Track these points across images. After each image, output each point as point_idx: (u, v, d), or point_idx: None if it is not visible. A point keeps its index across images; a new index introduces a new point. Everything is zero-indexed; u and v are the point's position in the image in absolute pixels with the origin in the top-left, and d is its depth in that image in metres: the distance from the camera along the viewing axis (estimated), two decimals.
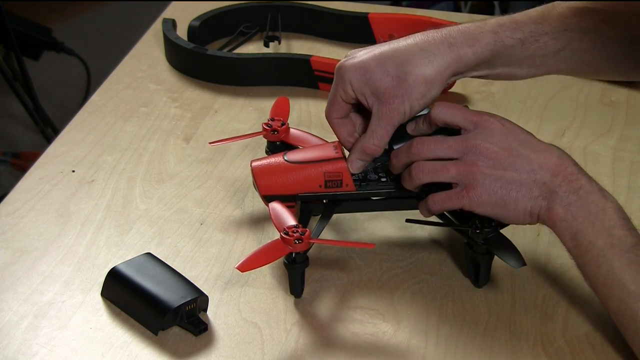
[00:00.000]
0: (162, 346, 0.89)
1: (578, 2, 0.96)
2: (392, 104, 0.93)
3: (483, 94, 1.27)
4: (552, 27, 0.95)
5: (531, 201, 0.90)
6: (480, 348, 0.88)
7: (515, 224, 0.92)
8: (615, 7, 0.96)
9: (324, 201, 1.00)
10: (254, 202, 1.05)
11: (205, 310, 0.92)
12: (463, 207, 0.91)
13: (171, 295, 0.90)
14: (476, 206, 0.90)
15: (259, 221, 1.04)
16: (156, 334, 0.89)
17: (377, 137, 0.94)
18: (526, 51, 0.95)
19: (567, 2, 0.96)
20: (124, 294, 0.92)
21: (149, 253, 0.96)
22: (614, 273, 0.84)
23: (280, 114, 1.09)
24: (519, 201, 0.90)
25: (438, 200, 0.93)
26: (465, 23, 0.96)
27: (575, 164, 0.91)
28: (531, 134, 0.93)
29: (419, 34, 0.95)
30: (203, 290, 0.92)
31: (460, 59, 0.93)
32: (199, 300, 0.91)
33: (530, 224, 0.91)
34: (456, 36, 0.94)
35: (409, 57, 0.93)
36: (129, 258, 0.95)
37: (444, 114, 0.94)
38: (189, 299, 0.90)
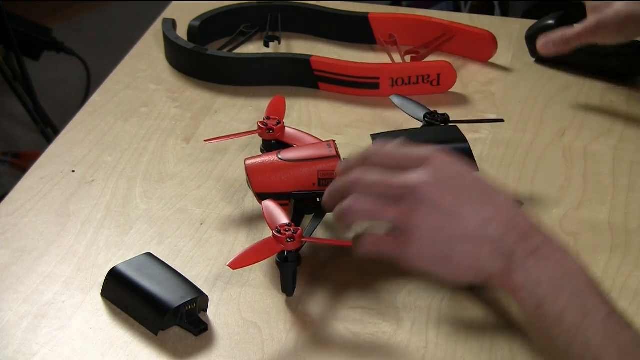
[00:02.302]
0: (162, 346, 0.89)
1: None
2: None
3: (483, 93, 1.27)
4: None
5: (480, 260, 0.78)
6: (480, 348, 0.88)
7: (458, 285, 0.83)
8: None
9: (317, 200, 1.00)
10: (254, 202, 1.05)
11: (205, 310, 0.92)
12: (397, 258, 0.81)
13: (171, 295, 0.90)
14: (412, 260, 0.80)
15: (259, 221, 1.04)
16: (156, 334, 0.89)
17: None
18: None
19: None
20: (124, 294, 0.92)
21: (149, 253, 0.96)
22: (591, 348, 0.72)
23: (276, 113, 1.10)
24: (464, 259, 0.78)
25: (370, 242, 0.82)
26: None
27: (531, 217, 0.79)
28: (483, 176, 0.82)
29: None
30: (203, 290, 0.92)
31: None
32: (199, 300, 0.91)
33: (476, 283, 0.81)
34: None
35: None
36: (129, 258, 0.95)
37: (379, 153, 0.83)
38: (189, 299, 0.90)
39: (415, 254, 0.79)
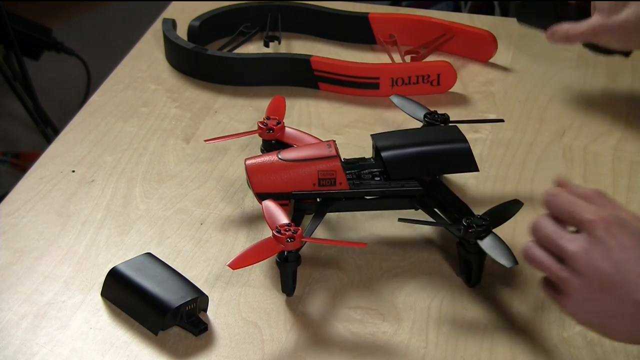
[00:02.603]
0: (162, 346, 0.89)
1: None
2: None
3: (483, 93, 1.27)
4: None
5: (637, 334, 0.76)
6: (480, 348, 0.88)
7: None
8: None
9: (317, 200, 1.00)
10: (254, 202, 1.05)
11: (205, 310, 0.92)
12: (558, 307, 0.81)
13: (171, 295, 0.90)
14: (569, 315, 0.80)
15: (259, 221, 1.04)
16: (156, 334, 0.89)
17: None
18: None
19: None
20: (124, 294, 0.92)
21: (148, 253, 0.96)
22: None
23: (276, 113, 1.10)
24: (620, 331, 0.77)
25: (535, 264, 0.81)
26: None
27: None
28: None
29: None
30: (203, 290, 0.92)
31: None
32: (199, 300, 0.91)
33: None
34: None
35: None
36: (129, 258, 0.95)
37: (554, 203, 0.81)
38: (189, 299, 0.90)
39: (570, 314, 0.79)
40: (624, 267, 0.75)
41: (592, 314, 0.77)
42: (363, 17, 1.38)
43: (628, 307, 0.75)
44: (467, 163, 1.02)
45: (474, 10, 2.53)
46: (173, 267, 0.95)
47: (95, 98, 1.27)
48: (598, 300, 0.76)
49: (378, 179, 1.00)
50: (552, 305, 0.93)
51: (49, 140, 1.95)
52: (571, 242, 0.77)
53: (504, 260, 0.90)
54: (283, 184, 0.98)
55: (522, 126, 1.20)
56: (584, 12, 1.17)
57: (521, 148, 1.16)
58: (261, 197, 0.98)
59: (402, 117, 1.15)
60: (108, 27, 2.92)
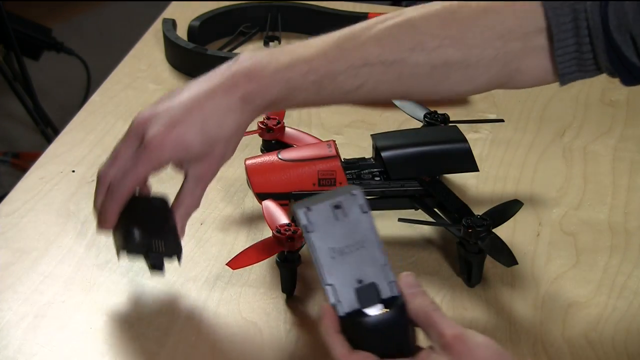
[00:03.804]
0: (162, 346, 0.89)
1: (382, 26, 0.84)
2: (209, 166, 0.88)
3: (483, 94, 1.27)
4: (349, 65, 0.83)
5: None
6: None
7: None
8: (425, 30, 0.84)
9: None
10: (254, 202, 1.05)
11: (177, 258, 0.90)
12: None
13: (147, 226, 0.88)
14: None
15: (259, 221, 1.04)
16: (118, 258, 0.89)
17: (197, 197, 0.89)
18: (323, 92, 0.84)
19: (373, 25, 0.85)
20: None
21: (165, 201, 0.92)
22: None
23: (276, 113, 1.10)
24: None
25: None
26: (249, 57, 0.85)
27: None
28: None
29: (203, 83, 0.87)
30: (203, 290, 0.92)
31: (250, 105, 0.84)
32: (169, 245, 0.89)
33: None
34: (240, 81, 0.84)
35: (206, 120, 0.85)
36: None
37: (416, 315, 0.72)
38: (162, 237, 0.88)
39: None
40: None
41: None
42: (363, 17, 1.38)
43: None
44: (467, 163, 1.01)
45: None
46: (173, 267, 0.94)
47: (95, 98, 1.27)
48: None
49: (378, 179, 1.00)
50: (553, 305, 0.93)
51: (49, 140, 1.95)
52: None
53: (504, 260, 0.91)
54: (283, 184, 0.98)
55: (522, 126, 1.20)
56: None
57: (521, 148, 1.16)
58: (261, 197, 0.98)
59: (402, 117, 1.15)
60: (108, 27, 2.92)
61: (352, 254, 0.72)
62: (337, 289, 0.72)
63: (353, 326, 0.71)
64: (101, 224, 0.88)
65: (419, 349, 0.72)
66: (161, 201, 0.91)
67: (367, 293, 0.72)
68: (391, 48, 0.84)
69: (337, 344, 0.72)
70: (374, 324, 0.71)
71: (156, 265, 0.90)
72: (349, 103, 0.86)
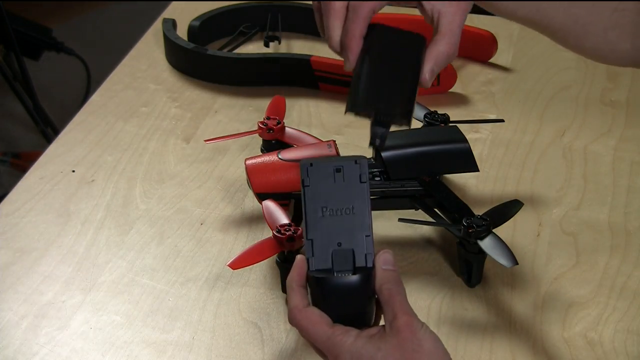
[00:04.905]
0: (162, 346, 0.89)
1: None
2: None
3: (483, 94, 1.27)
4: None
5: None
6: (480, 348, 0.88)
7: None
8: None
9: None
10: (254, 202, 1.05)
11: None
12: None
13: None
14: None
15: (259, 221, 1.04)
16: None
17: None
18: None
19: None
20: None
21: None
22: None
23: (276, 113, 1.10)
24: None
25: None
26: None
27: None
28: None
29: None
30: (203, 290, 0.91)
31: None
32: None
33: None
34: None
35: None
36: (130, 257, 0.95)
37: (380, 290, 0.74)
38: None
39: None
40: None
41: None
42: None
43: None
44: (467, 163, 1.01)
45: (474, 10, 2.53)
46: (173, 267, 0.95)
47: (95, 98, 1.27)
48: None
49: (378, 179, 1.00)
50: (553, 305, 0.93)
51: (49, 140, 1.95)
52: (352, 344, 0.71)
53: (504, 261, 0.90)
54: (283, 184, 0.98)
55: (522, 126, 1.20)
56: None
57: (521, 148, 1.16)
58: (261, 197, 0.98)
59: None
60: (108, 27, 2.92)
61: (340, 217, 0.74)
62: (315, 246, 0.74)
63: (315, 283, 0.73)
64: (344, 53, 0.77)
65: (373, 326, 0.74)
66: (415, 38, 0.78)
67: (342, 257, 0.74)
68: None
69: (297, 296, 0.74)
70: (335, 284, 0.73)
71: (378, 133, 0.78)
72: (540, 14, 0.82)
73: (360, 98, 0.76)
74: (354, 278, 0.73)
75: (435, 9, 0.78)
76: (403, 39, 0.78)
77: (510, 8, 0.84)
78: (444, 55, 0.78)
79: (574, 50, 0.88)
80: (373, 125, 0.78)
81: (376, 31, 0.78)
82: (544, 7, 0.84)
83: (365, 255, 0.74)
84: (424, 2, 0.78)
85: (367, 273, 0.73)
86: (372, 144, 0.78)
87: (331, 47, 0.79)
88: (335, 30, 0.78)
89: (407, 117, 0.76)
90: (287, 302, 0.72)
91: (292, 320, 0.73)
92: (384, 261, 0.75)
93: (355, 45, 0.76)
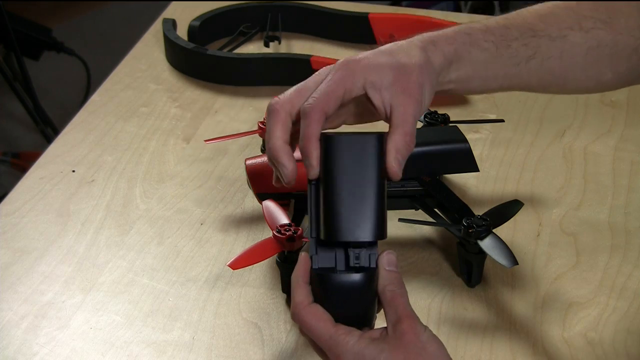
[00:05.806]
0: (162, 346, 0.89)
1: (540, 6, 0.88)
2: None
3: (482, 94, 1.27)
4: (521, 33, 0.84)
5: None
6: (480, 348, 0.88)
7: None
8: (579, 11, 0.88)
9: None
10: (254, 202, 1.05)
11: None
12: None
13: None
14: None
15: (259, 221, 1.04)
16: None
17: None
18: (499, 59, 0.83)
19: (530, 7, 0.89)
20: None
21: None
22: None
23: None
24: None
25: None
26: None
27: None
28: None
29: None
30: (203, 290, 0.91)
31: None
32: None
33: None
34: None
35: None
36: (130, 257, 0.95)
37: (383, 292, 0.74)
38: None
39: None
40: None
41: None
42: (363, 17, 1.38)
43: None
44: (468, 163, 1.01)
45: (474, 10, 2.53)
46: (173, 267, 0.95)
47: (95, 98, 1.27)
48: None
49: None
50: (553, 305, 0.93)
51: (49, 140, 1.95)
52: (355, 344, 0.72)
53: (504, 261, 0.90)
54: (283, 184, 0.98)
55: (522, 126, 1.20)
56: None
57: (521, 148, 1.16)
58: (261, 197, 0.98)
59: None
60: (108, 27, 2.92)
61: None
62: (319, 244, 0.74)
63: (319, 280, 0.73)
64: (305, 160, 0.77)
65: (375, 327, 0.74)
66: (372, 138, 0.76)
67: (346, 257, 0.74)
68: (553, 24, 0.85)
69: (301, 293, 0.74)
70: (338, 282, 0.73)
71: None
72: (514, 81, 0.85)
73: (332, 232, 0.74)
74: (357, 277, 0.73)
75: (385, 103, 0.79)
76: (358, 144, 0.76)
77: (481, 87, 0.85)
78: (402, 143, 0.77)
79: (558, 94, 0.91)
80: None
81: (330, 143, 0.76)
82: (516, 77, 0.86)
83: (369, 255, 0.74)
84: (374, 101, 0.78)
85: (371, 273, 0.73)
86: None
87: (269, 156, 0.79)
88: (276, 133, 0.77)
89: (380, 237, 0.75)
90: (290, 298, 0.72)
91: (295, 316, 0.73)
92: (387, 262, 0.75)
93: (314, 149, 0.76)
